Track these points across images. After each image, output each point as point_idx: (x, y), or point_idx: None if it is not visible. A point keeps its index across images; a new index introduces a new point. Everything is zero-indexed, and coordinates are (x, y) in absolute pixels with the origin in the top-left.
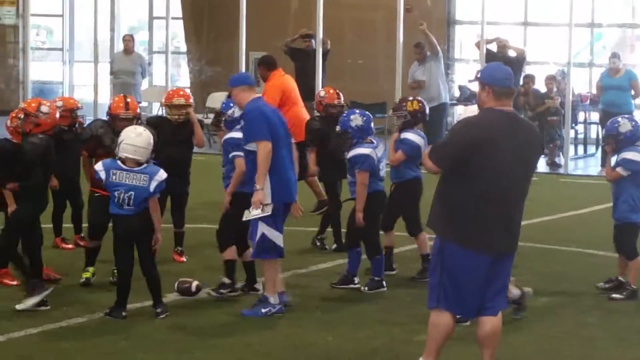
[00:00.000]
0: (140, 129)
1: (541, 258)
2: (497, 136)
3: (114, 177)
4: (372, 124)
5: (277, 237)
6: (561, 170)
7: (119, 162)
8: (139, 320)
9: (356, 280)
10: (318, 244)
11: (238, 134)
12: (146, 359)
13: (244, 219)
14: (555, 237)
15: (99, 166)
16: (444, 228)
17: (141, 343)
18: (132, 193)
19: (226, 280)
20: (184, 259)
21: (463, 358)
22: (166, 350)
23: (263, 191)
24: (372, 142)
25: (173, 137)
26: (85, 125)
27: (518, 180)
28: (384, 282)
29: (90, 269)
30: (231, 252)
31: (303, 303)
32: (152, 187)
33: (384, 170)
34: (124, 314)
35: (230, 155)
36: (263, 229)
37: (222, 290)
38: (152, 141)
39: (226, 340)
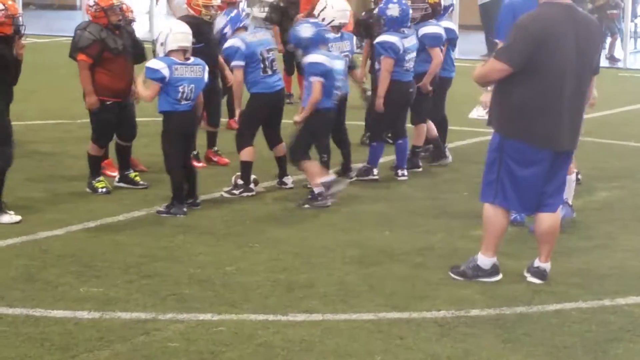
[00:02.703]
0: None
1: (600, 152)
2: (558, 29)
3: (176, 72)
4: (410, 16)
5: None
6: (620, 65)
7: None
8: (195, 214)
9: (375, 171)
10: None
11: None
12: (205, 252)
13: (470, 115)
14: (614, 131)
15: (157, 64)
16: (506, 125)
17: (199, 237)
18: (193, 85)
19: (239, 181)
20: (226, 159)
21: (521, 254)
22: (224, 244)
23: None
24: (403, 32)
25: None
26: (78, 30)
27: (579, 72)
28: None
29: (102, 177)
30: (247, 153)
31: (359, 198)
32: (206, 77)
33: (412, 62)
34: (184, 209)
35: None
36: None
37: (234, 191)
38: None
39: (283, 233)
